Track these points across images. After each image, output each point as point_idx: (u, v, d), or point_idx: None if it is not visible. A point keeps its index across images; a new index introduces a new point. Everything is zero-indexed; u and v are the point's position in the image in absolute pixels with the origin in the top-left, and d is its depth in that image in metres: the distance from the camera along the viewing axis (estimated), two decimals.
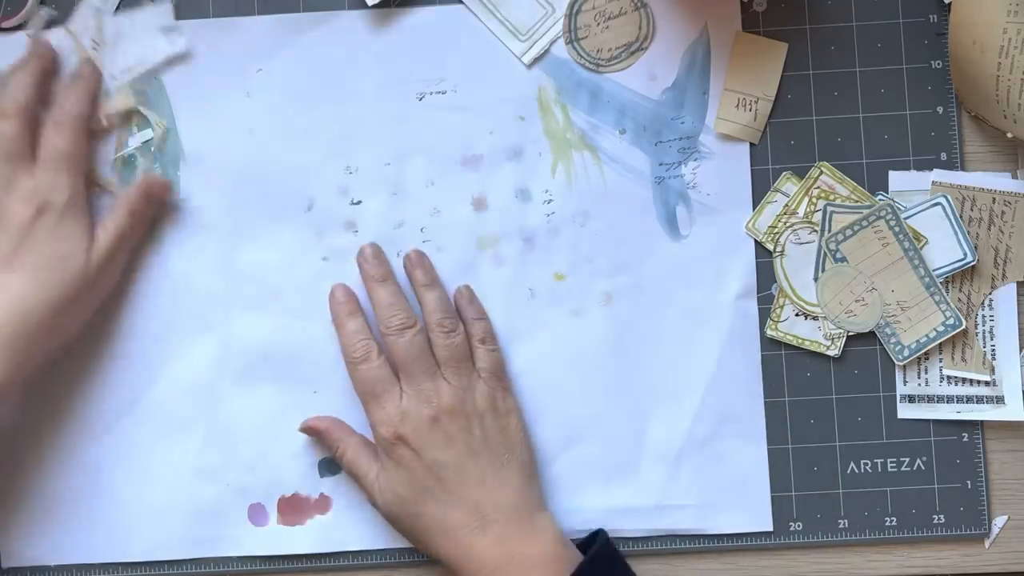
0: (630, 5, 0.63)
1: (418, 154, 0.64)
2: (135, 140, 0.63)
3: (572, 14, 0.63)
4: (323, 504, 0.63)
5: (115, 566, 0.63)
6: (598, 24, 0.63)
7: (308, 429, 0.62)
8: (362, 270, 0.62)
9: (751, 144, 0.63)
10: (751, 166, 0.64)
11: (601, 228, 0.63)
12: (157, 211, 0.63)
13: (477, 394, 0.60)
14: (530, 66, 0.63)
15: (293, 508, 0.63)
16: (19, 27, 0.64)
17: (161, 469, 0.63)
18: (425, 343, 0.60)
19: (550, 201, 0.64)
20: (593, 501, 0.63)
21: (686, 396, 0.63)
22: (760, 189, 0.64)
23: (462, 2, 0.63)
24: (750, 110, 0.63)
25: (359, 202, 0.64)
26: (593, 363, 0.63)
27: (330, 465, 0.63)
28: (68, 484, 0.63)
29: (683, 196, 0.63)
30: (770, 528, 0.63)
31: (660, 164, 0.63)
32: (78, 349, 0.63)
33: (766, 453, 0.63)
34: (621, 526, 0.63)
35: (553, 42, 0.64)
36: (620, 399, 0.63)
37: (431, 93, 0.64)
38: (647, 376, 0.63)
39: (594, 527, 0.62)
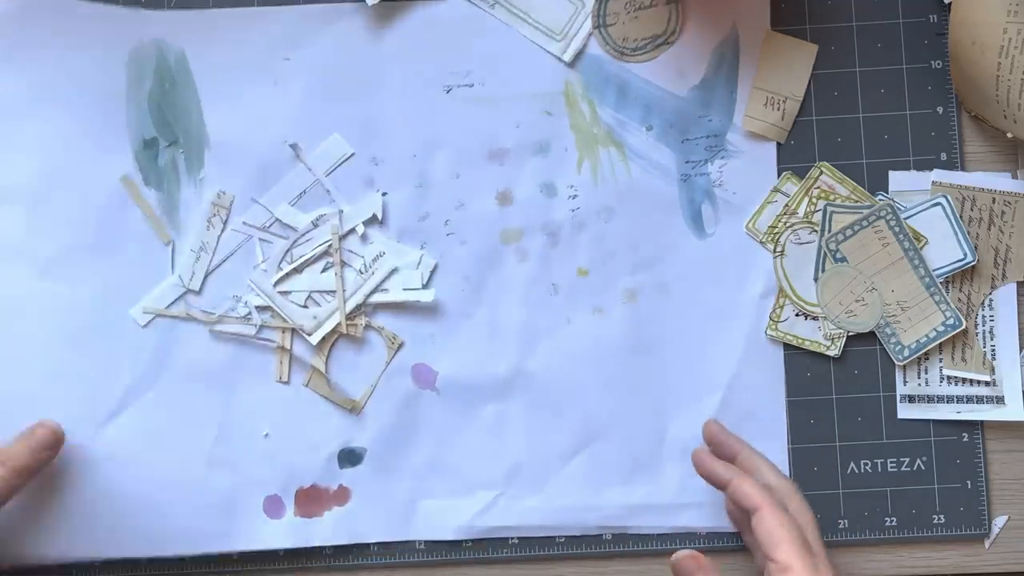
0: None
1: (444, 147, 0.64)
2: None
3: (604, 0, 0.63)
4: (342, 495, 0.63)
5: (118, 563, 0.63)
6: (628, 13, 0.63)
7: (686, 561, 0.55)
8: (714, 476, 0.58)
9: (777, 143, 0.63)
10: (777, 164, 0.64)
11: (626, 225, 0.63)
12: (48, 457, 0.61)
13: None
14: (572, 64, 0.63)
15: (311, 499, 0.63)
16: None
17: (172, 460, 0.63)
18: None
19: (575, 196, 0.64)
20: (612, 498, 0.63)
21: (707, 395, 0.63)
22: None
23: (494, 17, 0.64)
24: (778, 109, 0.63)
25: (385, 193, 0.64)
26: (615, 360, 0.63)
27: (350, 456, 0.63)
28: (72, 477, 0.62)
29: (709, 194, 0.63)
30: None
31: (686, 162, 0.63)
32: (84, 334, 0.63)
33: (788, 451, 0.63)
34: (639, 523, 0.63)
35: (589, 35, 0.63)
36: (641, 397, 0.63)
37: (458, 86, 0.64)
38: (669, 374, 0.63)
39: (613, 524, 0.62)
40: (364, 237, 0.63)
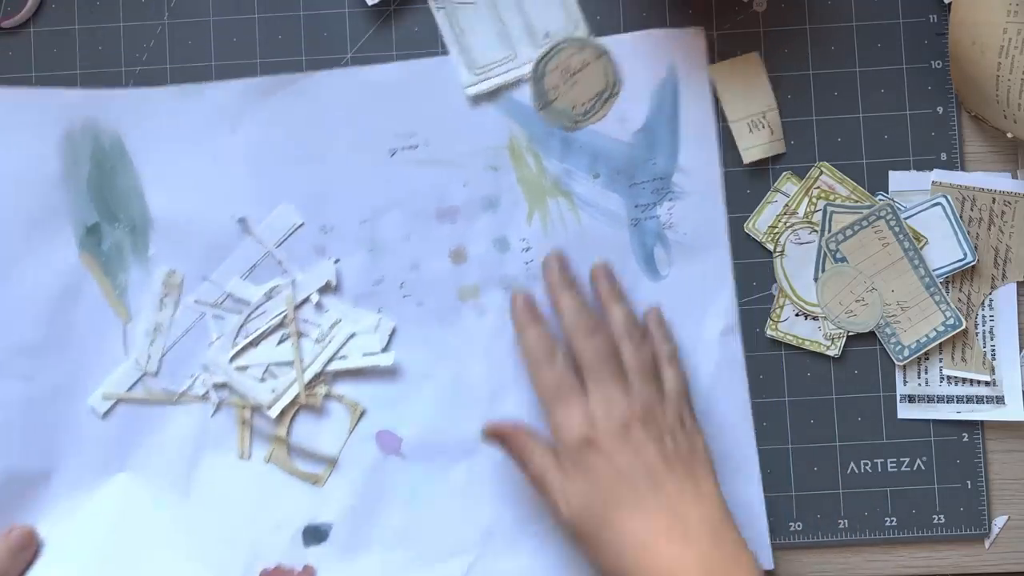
0: (592, 55, 0.63)
1: (393, 209, 0.63)
2: None
3: (537, 79, 0.63)
4: (307, 575, 0.62)
5: None
6: (565, 83, 0.63)
7: (491, 432, 0.59)
8: (547, 279, 0.61)
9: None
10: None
11: (581, 273, 0.63)
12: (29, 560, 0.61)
13: (667, 408, 0.57)
14: (474, 99, 0.63)
15: None
16: (19, 27, 0.65)
17: (136, 545, 0.61)
18: (614, 348, 0.58)
19: (528, 249, 0.63)
20: None
21: None
22: (760, 189, 0.64)
23: (434, 17, 0.64)
24: (763, 127, 0.63)
25: (338, 260, 0.63)
26: None
27: (316, 533, 0.62)
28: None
29: (660, 237, 0.63)
30: (771, 566, 0.62)
31: (635, 206, 0.63)
32: (42, 429, 0.62)
33: (762, 492, 0.62)
34: None
35: (502, 87, 0.63)
36: None
37: (403, 148, 0.63)
38: None
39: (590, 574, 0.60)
40: (319, 306, 0.63)
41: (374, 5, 0.64)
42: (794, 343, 0.63)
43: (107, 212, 0.63)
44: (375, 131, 0.63)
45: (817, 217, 0.63)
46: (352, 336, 0.63)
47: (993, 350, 0.63)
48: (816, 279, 0.63)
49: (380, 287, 0.63)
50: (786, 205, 0.63)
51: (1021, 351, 0.63)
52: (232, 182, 0.63)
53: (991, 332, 0.63)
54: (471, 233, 0.63)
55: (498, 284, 0.63)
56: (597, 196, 0.63)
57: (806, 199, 0.63)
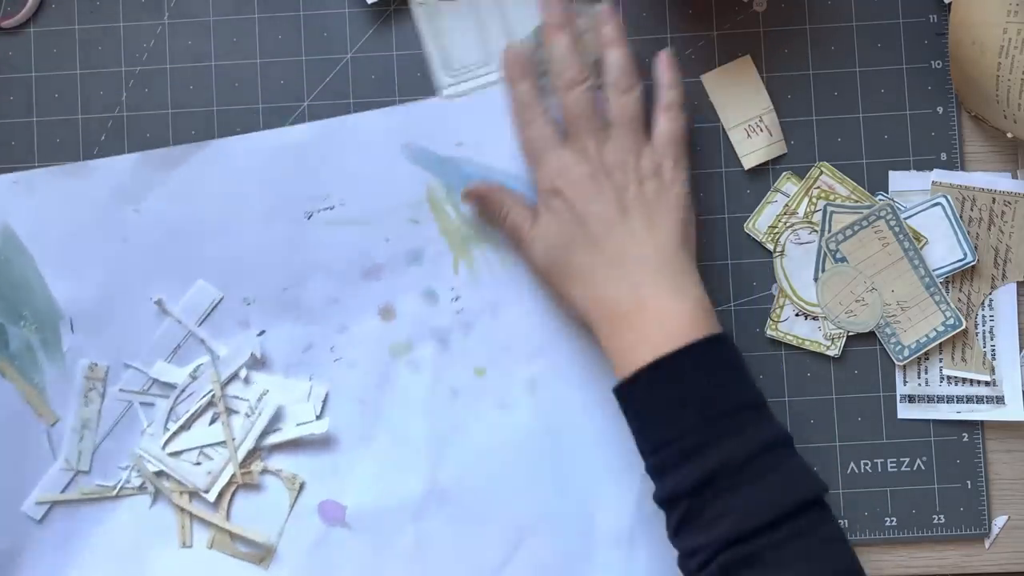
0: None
1: (316, 273, 0.62)
2: None
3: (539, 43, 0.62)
4: None
5: None
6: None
7: (471, 193, 0.61)
8: (543, 14, 0.61)
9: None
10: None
11: (513, 316, 0.62)
12: None
13: (643, 158, 0.58)
14: (445, 98, 0.63)
15: None
16: (19, 27, 0.65)
17: None
18: (594, 101, 0.59)
19: (457, 298, 0.63)
20: None
21: (627, 472, 0.61)
22: (760, 189, 0.64)
23: (412, 15, 0.64)
24: (761, 131, 0.63)
25: (263, 332, 0.62)
26: (529, 454, 0.62)
27: None
28: None
29: None
30: None
31: None
32: None
33: None
34: None
35: (479, 88, 0.63)
36: (562, 487, 0.61)
37: (319, 210, 0.62)
38: (585, 458, 0.62)
39: None
40: (247, 380, 0.62)
41: (374, 5, 0.64)
42: (794, 343, 0.63)
43: (8, 310, 0.61)
44: (289, 195, 0.62)
45: (817, 217, 0.63)
46: (281, 408, 0.62)
47: (993, 350, 0.63)
48: (816, 279, 0.63)
49: (310, 353, 0.62)
50: (786, 205, 0.63)
51: (1021, 351, 0.63)
52: (143, 261, 0.62)
53: (991, 332, 0.63)
54: (398, 289, 0.63)
55: (430, 337, 0.62)
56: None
57: (806, 199, 0.63)
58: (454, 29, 0.63)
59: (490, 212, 0.61)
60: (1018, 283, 0.63)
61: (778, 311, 0.63)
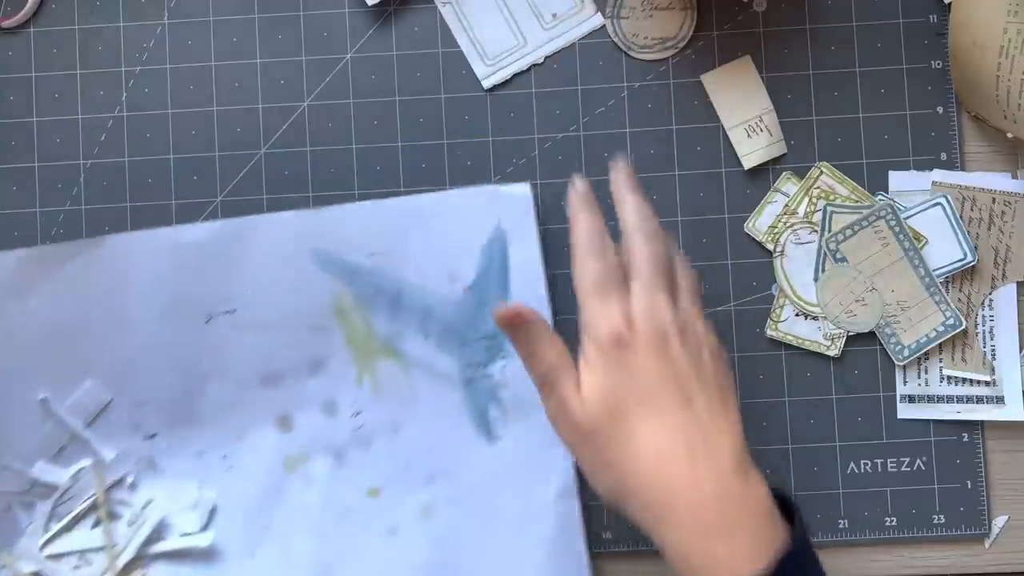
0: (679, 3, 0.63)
1: (213, 378, 0.60)
2: None
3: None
4: None
5: None
6: (643, 10, 0.63)
7: (507, 316, 0.52)
8: (613, 181, 0.55)
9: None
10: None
11: (413, 437, 0.60)
12: None
13: (706, 333, 0.53)
14: (489, 91, 0.63)
15: None
16: (19, 27, 0.65)
17: None
18: (671, 260, 0.54)
19: (358, 413, 0.60)
20: None
21: None
22: (760, 189, 0.64)
23: (440, 13, 0.64)
24: (761, 131, 0.63)
25: (154, 435, 0.60)
26: None
27: None
28: None
29: (494, 397, 0.61)
30: None
31: (468, 365, 0.61)
32: None
33: None
34: None
35: (516, 74, 0.63)
36: None
37: (220, 314, 0.60)
38: None
39: None
40: (133, 485, 0.60)
41: (374, 5, 0.64)
42: (794, 343, 0.63)
43: None
44: (189, 296, 0.60)
45: (817, 217, 0.63)
46: (167, 516, 0.60)
47: (993, 350, 0.63)
48: (816, 279, 0.63)
49: (202, 460, 0.60)
50: (786, 205, 0.64)
51: (1021, 351, 0.63)
52: (30, 359, 0.60)
53: (991, 332, 0.63)
54: (298, 399, 0.60)
55: (326, 452, 0.60)
56: (429, 356, 0.61)
57: (806, 199, 0.63)
58: (482, 20, 0.64)
59: (521, 345, 0.53)
60: (1018, 283, 0.63)
61: (778, 311, 0.63)
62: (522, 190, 0.61)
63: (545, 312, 0.60)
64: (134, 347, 0.60)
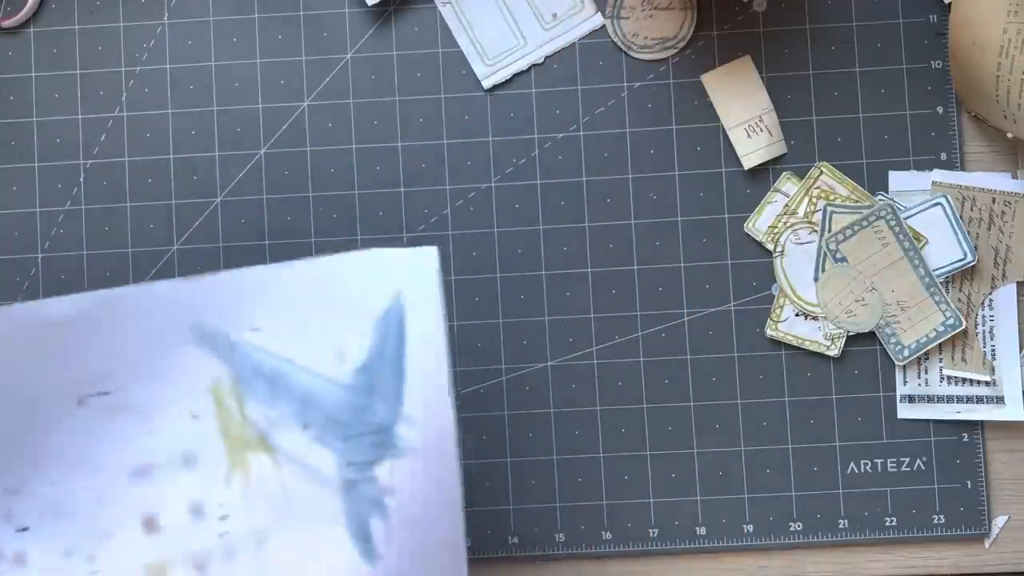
0: (679, 3, 0.63)
1: (83, 468, 0.53)
2: None
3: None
4: None
5: None
6: (643, 10, 0.63)
7: None
8: None
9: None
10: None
11: (281, 548, 0.52)
12: None
13: None
14: (489, 91, 0.63)
15: None
16: (19, 27, 0.65)
17: None
18: None
19: (225, 517, 0.53)
20: None
21: None
22: (760, 189, 0.64)
23: (440, 13, 0.64)
24: (761, 131, 0.63)
25: (25, 528, 0.53)
26: None
27: None
28: None
29: (378, 505, 0.51)
30: None
31: (349, 464, 0.52)
32: None
33: None
34: None
35: (516, 74, 0.63)
36: None
37: (92, 395, 0.53)
38: None
39: None
40: None
41: (374, 5, 0.64)
42: (794, 343, 0.63)
43: None
44: (59, 376, 0.53)
45: (817, 217, 0.63)
46: None
47: (993, 350, 0.63)
48: (816, 279, 0.63)
49: (69, 560, 0.53)
50: (786, 205, 0.64)
51: (1021, 351, 0.63)
52: None
53: (991, 332, 0.63)
54: (166, 496, 0.53)
55: (187, 561, 0.53)
56: (305, 451, 0.52)
57: (806, 199, 0.63)
58: (482, 20, 0.64)
59: None
60: (1018, 283, 0.63)
61: (778, 311, 0.63)
62: (428, 255, 0.52)
63: (445, 403, 0.51)
64: (4, 429, 0.54)
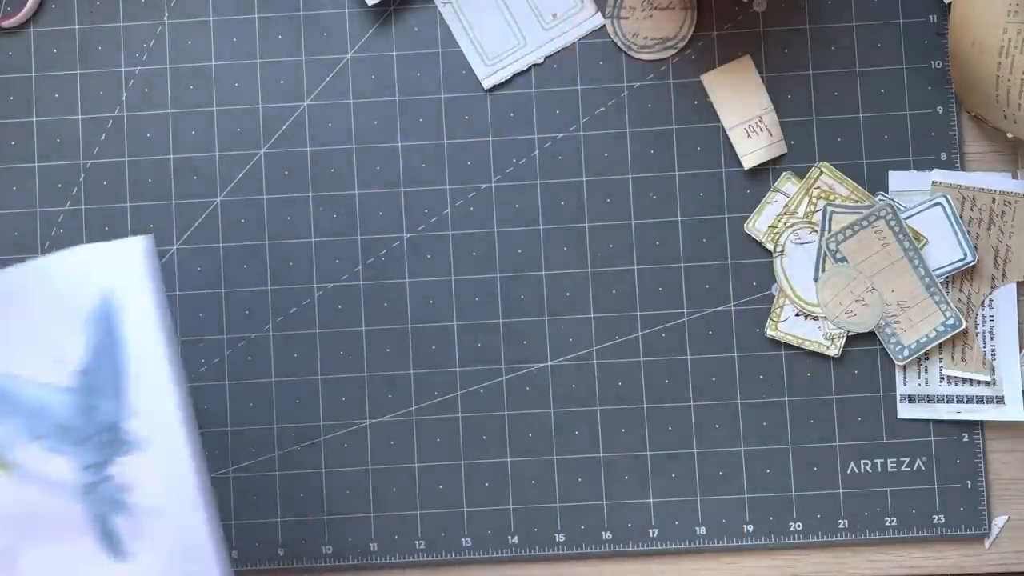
0: (679, 3, 0.63)
1: None
2: None
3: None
4: None
5: None
6: (643, 10, 0.63)
7: None
8: None
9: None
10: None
11: (34, 565, 0.51)
12: None
13: None
14: (489, 91, 0.63)
15: None
16: (19, 27, 0.65)
17: None
18: None
19: None
20: None
21: None
22: (760, 189, 0.64)
23: (440, 13, 0.64)
24: (761, 131, 0.63)
25: None
26: None
27: None
28: None
29: (119, 503, 0.50)
30: None
31: (85, 468, 0.51)
32: None
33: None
34: None
35: (516, 74, 0.63)
36: None
37: None
38: None
39: None
40: None
41: (374, 5, 0.64)
42: (794, 343, 0.63)
43: None
44: None
45: (817, 217, 0.63)
46: None
47: (993, 350, 0.63)
48: (816, 279, 0.63)
49: None
50: (786, 205, 0.64)
51: (1021, 351, 0.63)
52: None
53: (991, 332, 0.63)
54: None
55: None
56: (42, 463, 0.50)
57: (806, 199, 0.63)
58: (482, 20, 0.64)
59: None
60: (1018, 283, 0.63)
61: (778, 311, 0.63)
62: (133, 246, 0.51)
63: (170, 391, 0.50)
64: None
